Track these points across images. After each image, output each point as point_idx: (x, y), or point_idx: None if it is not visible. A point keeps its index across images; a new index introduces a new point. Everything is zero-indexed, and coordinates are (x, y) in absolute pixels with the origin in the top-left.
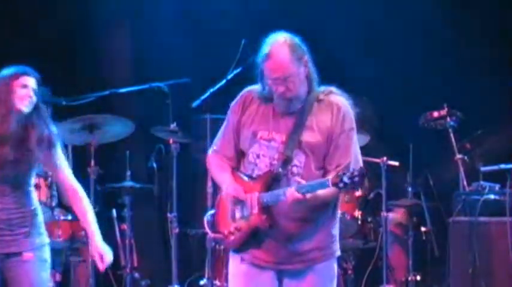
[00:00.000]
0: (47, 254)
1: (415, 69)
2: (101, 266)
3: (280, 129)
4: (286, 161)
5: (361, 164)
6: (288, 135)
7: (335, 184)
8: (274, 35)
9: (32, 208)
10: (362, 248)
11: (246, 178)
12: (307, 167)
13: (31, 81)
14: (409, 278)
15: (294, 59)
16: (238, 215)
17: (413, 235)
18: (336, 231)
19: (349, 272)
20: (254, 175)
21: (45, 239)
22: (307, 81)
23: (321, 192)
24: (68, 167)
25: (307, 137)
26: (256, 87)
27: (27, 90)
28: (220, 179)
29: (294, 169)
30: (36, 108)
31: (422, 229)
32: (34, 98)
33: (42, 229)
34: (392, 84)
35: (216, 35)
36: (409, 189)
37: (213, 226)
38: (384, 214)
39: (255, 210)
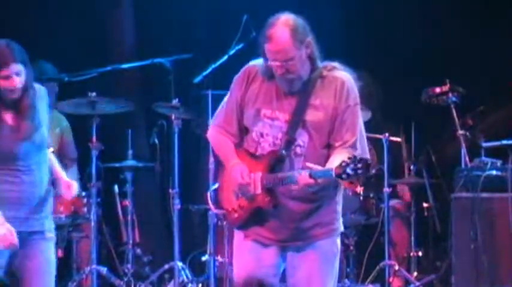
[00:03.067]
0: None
1: (416, 44)
2: (70, 195)
3: (283, 108)
4: (290, 142)
5: (366, 150)
6: (291, 114)
7: (338, 175)
8: (277, 16)
9: (48, 187)
10: (364, 224)
11: (249, 156)
12: (310, 147)
13: (12, 69)
14: (411, 254)
15: (295, 42)
16: (241, 193)
17: (415, 211)
18: (339, 208)
19: (351, 248)
20: (258, 154)
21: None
22: (309, 61)
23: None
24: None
25: (311, 116)
26: (259, 62)
27: (10, 81)
28: (224, 156)
29: (298, 149)
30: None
31: (424, 205)
32: (20, 83)
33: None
34: (393, 60)
35: (218, 11)
36: (411, 165)
37: (216, 201)
38: (386, 189)
39: (258, 191)
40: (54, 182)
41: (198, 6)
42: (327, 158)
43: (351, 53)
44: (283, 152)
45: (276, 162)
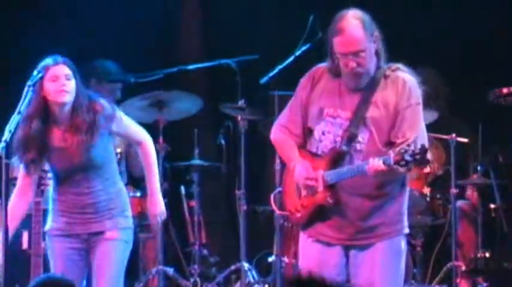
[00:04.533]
0: (129, 237)
1: (484, 43)
2: (154, 221)
3: (346, 106)
4: (350, 138)
5: (426, 141)
6: (353, 112)
7: (397, 162)
8: (345, 11)
9: (116, 189)
10: (431, 224)
11: (311, 156)
12: (370, 144)
13: (61, 69)
14: (478, 255)
15: (367, 34)
16: (304, 192)
17: (482, 212)
18: (404, 208)
19: (418, 248)
20: (319, 153)
21: (130, 223)
22: (376, 58)
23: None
24: (133, 124)
25: (372, 113)
26: (325, 65)
27: (58, 83)
28: (287, 155)
29: (358, 146)
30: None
31: (492, 205)
32: (70, 86)
33: (128, 212)
34: (461, 60)
35: (284, 11)
36: (478, 166)
37: (280, 203)
38: (453, 190)
39: (320, 188)
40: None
41: (264, 6)
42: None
43: (419, 52)
44: (344, 147)
45: (337, 158)
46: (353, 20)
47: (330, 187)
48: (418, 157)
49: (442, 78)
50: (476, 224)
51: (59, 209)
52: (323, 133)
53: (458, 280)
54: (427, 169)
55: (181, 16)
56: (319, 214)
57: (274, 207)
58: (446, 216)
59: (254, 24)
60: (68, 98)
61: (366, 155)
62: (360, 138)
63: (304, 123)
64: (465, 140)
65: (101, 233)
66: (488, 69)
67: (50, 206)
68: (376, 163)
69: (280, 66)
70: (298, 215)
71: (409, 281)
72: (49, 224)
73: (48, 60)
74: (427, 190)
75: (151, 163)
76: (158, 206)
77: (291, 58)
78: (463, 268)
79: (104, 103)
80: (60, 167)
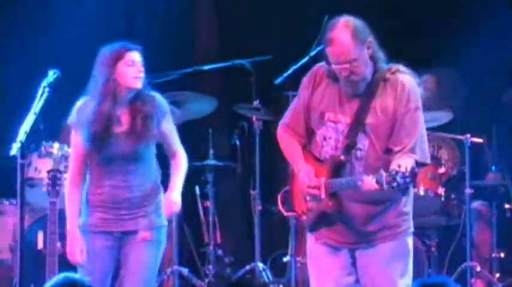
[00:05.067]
0: (163, 236)
1: (499, 43)
2: (165, 214)
3: (345, 111)
4: (350, 146)
5: (427, 153)
6: (352, 118)
7: (388, 183)
8: (336, 19)
9: (154, 185)
10: (445, 225)
11: (314, 160)
12: (371, 150)
13: (137, 56)
14: (493, 255)
15: (357, 43)
16: (308, 197)
17: (497, 212)
18: (407, 208)
19: (433, 249)
20: (321, 158)
21: (164, 221)
22: (372, 62)
23: None
24: (175, 134)
25: (372, 119)
26: (326, 65)
27: (136, 68)
28: (292, 158)
29: (358, 153)
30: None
31: (506, 206)
32: (143, 73)
33: (161, 210)
34: (477, 60)
35: (299, 11)
36: (493, 166)
37: (288, 203)
38: (467, 191)
39: (323, 195)
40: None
41: (278, 7)
42: (387, 162)
43: (436, 51)
44: (343, 157)
45: (337, 167)
46: (343, 30)
47: (332, 195)
48: (408, 179)
49: (458, 78)
50: (491, 224)
51: (95, 203)
52: (324, 138)
53: (473, 280)
54: (442, 169)
55: (196, 17)
56: (323, 219)
57: (281, 208)
58: (461, 216)
59: (268, 24)
60: (141, 84)
61: (366, 162)
62: (360, 145)
63: (307, 123)
64: (480, 140)
65: (135, 232)
66: (503, 70)
67: (84, 200)
68: (369, 182)
69: (294, 67)
70: (305, 218)
71: None
72: (83, 219)
73: (119, 45)
74: (441, 190)
75: (181, 171)
76: (173, 198)
77: (306, 58)
78: (478, 268)
79: (162, 98)
80: (104, 154)
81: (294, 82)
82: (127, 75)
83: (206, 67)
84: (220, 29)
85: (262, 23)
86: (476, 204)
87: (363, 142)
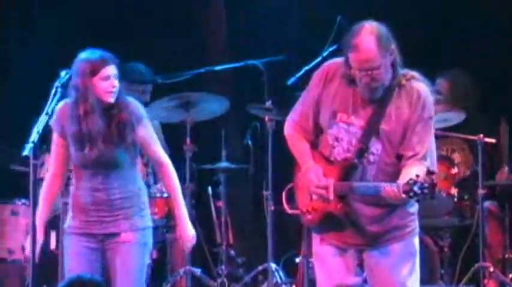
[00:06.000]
0: (147, 238)
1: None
2: (186, 249)
3: (359, 114)
4: (363, 150)
5: (435, 162)
6: (367, 122)
7: (405, 192)
8: (361, 24)
9: (135, 188)
10: (458, 225)
11: (323, 160)
12: (383, 155)
13: (112, 70)
14: (506, 256)
15: (381, 51)
16: (315, 196)
17: (510, 213)
18: (413, 209)
19: (445, 249)
20: (332, 159)
21: (147, 222)
22: (392, 69)
23: None
24: (156, 141)
25: (386, 125)
26: (340, 62)
27: (110, 82)
28: (300, 156)
29: (371, 157)
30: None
31: None
32: (117, 87)
33: (145, 211)
34: (487, 59)
35: (311, 12)
36: (506, 166)
37: (293, 201)
38: (480, 191)
39: (331, 197)
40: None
41: (291, 7)
42: (398, 167)
43: (448, 52)
44: (356, 161)
45: (348, 170)
46: (368, 37)
47: (341, 197)
48: (426, 191)
49: (472, 79)
50: (504, 225)
51: (77, 205)
52: (336, 139)
53: (486, 281)
54: (455, 170)
55: (208, 17)
56: (329, 220)
57: (285, 206)
58: (473, 217)
59: (280, 24)
60: (114, 98)
61: (378, 166)
62: (373, 150)
63: (315, 119)
64: (493, 140)
65: (117, 235)
66: None
67: (70, 203)
68: (392, 189)
69: (307, 67)
70: (309, 217)
71: (437, 282)
72: (68, 222)
73: (97, 57)
74: (454, 191)
75: (174, 186)
76: (189, 232)
77: (318, 59)
78: (491, 268)
79: (137, 104)
80: (81, 158)
81: (306, 83)
82: (100, 89)
83: (218, 67)
84: (232, 30)
85: (275, 23)
86: (489, 204)
87: (376, 146)
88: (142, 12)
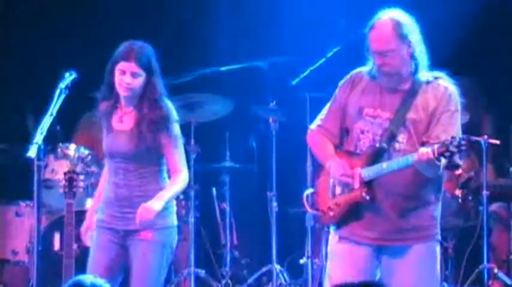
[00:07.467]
0: (167, 238)
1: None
2: (136, 219)
3: (385, 106)
4: (390, 138)
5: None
6: (394, 113)
7: (441, 154)
8: (386, 9)
9: (157, 188)
10: (462, 226)
11: (348, 155)
12: (409, 144)
13: (130, 67)
14: (510, 258)
15: (396, 34)
16: (338, 191)
17: None
18: (437, 214)
19: (450, 250)
20: (357, 151)
21: (170, 222)
22: (412, 62)
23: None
24: (179, 148)
25: (412, 115)
26: (365, 68)
27: (122, 77)
28: (323, 155)
29: (397, 145)
30: (145, 87)
31: None
32: (132, 84)
33: (168, 211)
34: (495, 64)
35: (315, 13)
36: (510, 168)
37: (312, 203)
38: (484, 192)
39: (357, 185)
40: None
41: (294, 8)
42: None
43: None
44: (384, 145)
45: (375, 156)
46: (387, 19)
47: (367, 184)
48: (463, 147)
49: (480, 89)
50: (509, 226)
51: (105, 199)
52: (362, 132)
53: (490, 282)
54: (459, 171)
55: (212, 18)
56: (353, 212)
57: (306, 206)
58: (478, 218)
59: (284, 25)
60: (129, 93)
61: (404, 155)
62: (399, 138)
63: (341, 124)
64: (497, 141)
65: (137, 232)
66: None
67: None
68: (427, 152)
69: (311, 68)
70: (331, 213)
71: (441, 283)
72: (97, 215)
73: (124, 49)
74: (458, 192)
75: (174, 186)
76: (149, 205)
77: (322, 60)
78: (496, 270)
79: (171, 110)
80: (108, 151)
81: (310, 83)
82: (116, 80)
83: (223, 68)
84: (236, 30)
85: (279, 24)
86: (494, 206)
87: (402, 136)
88: (147, 14)
